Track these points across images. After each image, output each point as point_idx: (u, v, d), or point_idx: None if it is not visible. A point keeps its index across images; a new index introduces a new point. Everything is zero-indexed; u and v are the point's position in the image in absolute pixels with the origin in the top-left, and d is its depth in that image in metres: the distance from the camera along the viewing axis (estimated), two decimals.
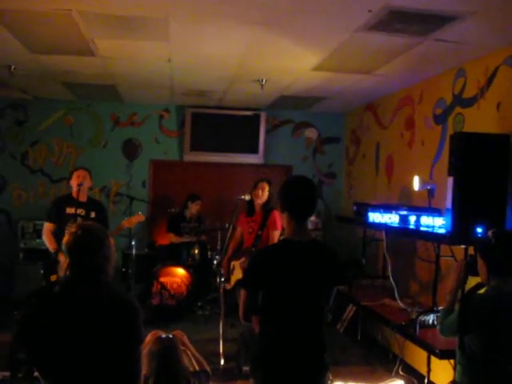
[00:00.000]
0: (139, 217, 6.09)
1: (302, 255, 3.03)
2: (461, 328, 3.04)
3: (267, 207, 6.04)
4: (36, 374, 2.68)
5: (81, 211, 5.68)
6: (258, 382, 3.06)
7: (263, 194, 6.04)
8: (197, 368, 3.81)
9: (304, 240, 3.09)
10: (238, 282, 5.78)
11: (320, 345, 3.10)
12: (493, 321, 2.93)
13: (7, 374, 4.94)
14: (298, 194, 3.12)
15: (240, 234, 6.35)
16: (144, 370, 2.91)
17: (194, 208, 8.03)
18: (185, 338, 4.04)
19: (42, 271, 5.57)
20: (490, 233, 3.10)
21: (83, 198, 5.78)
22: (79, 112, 8.48)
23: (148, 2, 3.95)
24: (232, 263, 6.19)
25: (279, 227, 5.82)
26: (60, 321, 2.56)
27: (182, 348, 3.80)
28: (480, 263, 3.12)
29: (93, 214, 5.74)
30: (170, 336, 3.58)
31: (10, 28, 4.67)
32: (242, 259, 5.91)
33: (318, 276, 3.04)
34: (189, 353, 3.92)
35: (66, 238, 2.73)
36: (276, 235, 5.86)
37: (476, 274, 3.21)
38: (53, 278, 5.46)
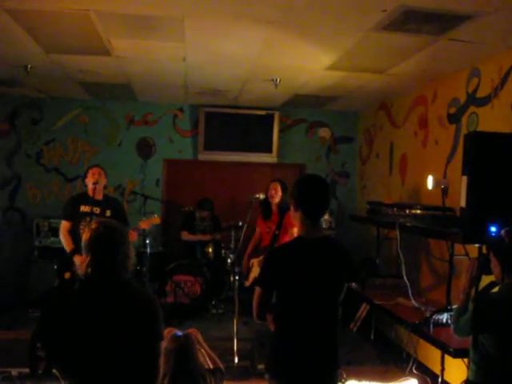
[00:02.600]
0: (155, 219, 6.17)
1: (316, 252, 3.05)
2: (474, 328, 3.06)
3: (283, 208, 6.23)
4: (55, 370, 2.71)
5: (96, 209, 5.61)
6: (273, 379, 3.09)
7: (276, 193, 6.35)
8: (211, 366, 3.83)
9: (317, 237, 3.10)
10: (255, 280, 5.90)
11: (333, 342, 3.12)
12: (506, 319, 2.94)
13: (26, 370, 5.00)
14: (310, 193, 3.12)
15: (259, 234, 6.69)
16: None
17: (201, 214, 8.01)
18: (199, 336, 4.05)
19: (55, 267, 5.59)
20: (503, 231, 3.11)
21: (99, 196, 5.74)
22: (94, 111, 8.53)
23: (164, 1, 3.98)
24: (251, 261, 6.46)
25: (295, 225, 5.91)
26: (80, 318, 2.58)
27: (197, 346, 3.82)
28: (494, 262, 3.13)
29: (108, 213, 5.68)
30: (186, 334, 3.59)
31: (27, 28, 4.71)
32: (261, 257, 6.00)
33: (331, 273, 3.06)
34: (203, 351, 3.93)
35: (86, 235, 2.72)
36: (295, 232, 5.92)
37: (489, 272, 3.23)
38: (67, 275, 5.47)
